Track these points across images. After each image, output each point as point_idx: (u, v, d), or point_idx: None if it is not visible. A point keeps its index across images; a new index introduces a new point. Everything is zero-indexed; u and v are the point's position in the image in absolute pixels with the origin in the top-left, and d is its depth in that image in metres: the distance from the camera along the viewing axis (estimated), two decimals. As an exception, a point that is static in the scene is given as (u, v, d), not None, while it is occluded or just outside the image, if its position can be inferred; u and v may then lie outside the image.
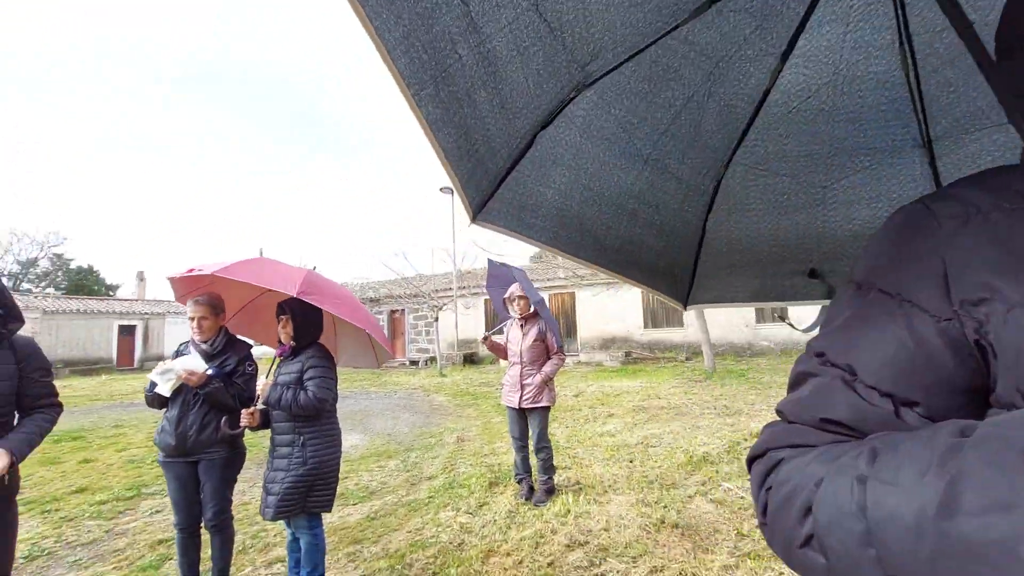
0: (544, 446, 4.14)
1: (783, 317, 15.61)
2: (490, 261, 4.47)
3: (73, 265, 40.46)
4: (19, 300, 24.33)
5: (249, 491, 4.89)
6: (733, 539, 3.20)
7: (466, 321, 21.56)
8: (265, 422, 2.70)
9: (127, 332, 26.85)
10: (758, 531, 3.27)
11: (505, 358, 4.32)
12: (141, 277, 33.69)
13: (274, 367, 2.80)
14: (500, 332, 4.48)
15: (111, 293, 38.94)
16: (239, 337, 2.99)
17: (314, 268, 2.78)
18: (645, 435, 6.11)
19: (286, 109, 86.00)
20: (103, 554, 3.59)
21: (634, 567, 2.93)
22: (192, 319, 2.76)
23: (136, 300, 30.84)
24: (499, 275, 4.52)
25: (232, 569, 2.95)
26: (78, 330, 24.86)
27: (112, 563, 3.43)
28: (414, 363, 21.09)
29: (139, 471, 5.76)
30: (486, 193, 1.24)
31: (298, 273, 2.59)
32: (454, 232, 19.56)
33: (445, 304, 19.21)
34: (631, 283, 1.67)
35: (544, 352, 4.18)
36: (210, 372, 2.67)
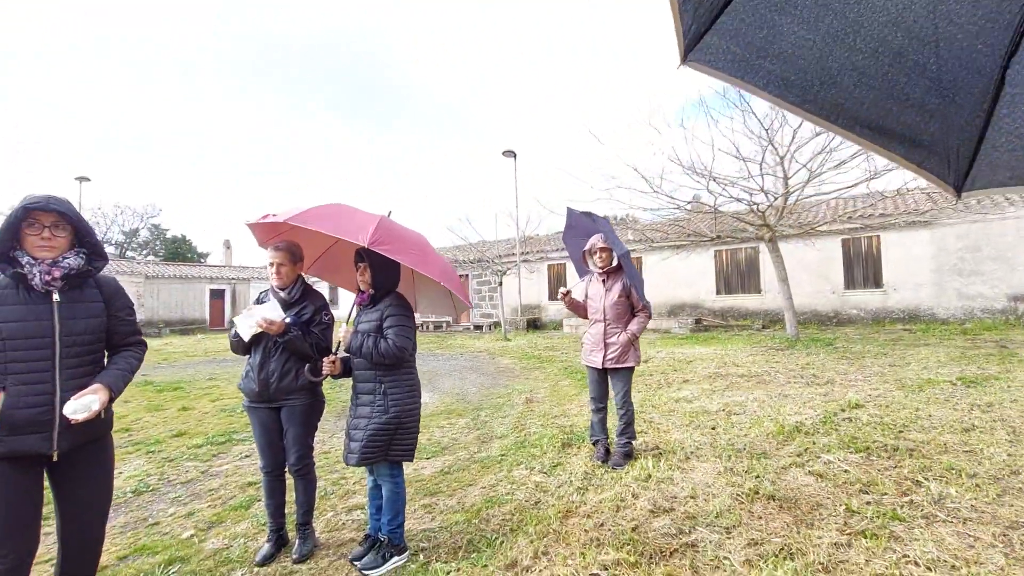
0: (627, 409, 3.92)
1: (878, 283, 14.26)
2: (570, 209, 4.18)
3: (169, 235, 44.10)
4: (125, 266, 26.88)
5: (328, 441, 5.06)
6: (842, 515, 2.87)
7: (529, 286, 21.49)
8: (346, 370, 2.67)
9: (217, 295, 29.09)
10: (872, 508, 2.92)
11: (584, 317, 4.09)
12: (227, 245, 36.17)
13: (353, 315, 2.75)
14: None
15: (202, 260, 42.19)
16: (315, 288, 2.97)
17: (388, 213, 2.64)
18: (726, 402, 5.74)
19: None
20: (199, 493, 3.81)
21: (728, 538, 2.69)
22: (271, 264, 2.74)
23: (224, 266, 33.24)
24: (578, 225, 4.24)
25: (315, 513, 3.01)
26: (175, 293, 27.21)
27: (207, 501, 3.63)
28: (478, 328, 21.40)
29: (230, 419, 6.14)
30: (704, 20, 0.98)
31: (371, 221, 2.47)
32: (517, 196, 19.33)
33: (509, 269, 19.16)
34: (885, 155, 1.25)
35: (628, 309, 3.91)
36: (288, 321, 2.65)
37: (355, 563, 2.58)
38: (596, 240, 3.89)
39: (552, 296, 21.03)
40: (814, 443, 4.12)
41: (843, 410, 5.08)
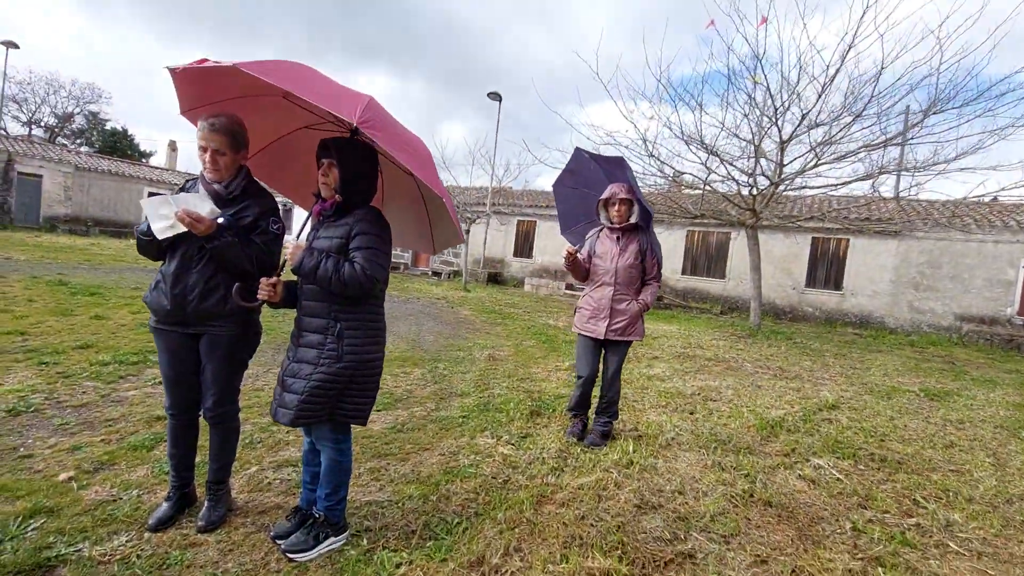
0: (615, 386, 3.47)
1: (838, 285, 14.50)
2: (578, 150, 3.54)
3: (108, 127, 39.91)
4: (53, 152, 24.09)
5: (263, 376, 4.41)
6: (848, 533, 2.55)
7: (496, 239, 20.79)
8: (289, 298, 2.02)
9: (157, 201, 26.71)
10: (878, 528, 2.61)
11: (582, 280, 3.52)
12: (173, 147, 33.24)
13: (307, 228, 2.08)
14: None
15: (144, 160, 38.60)
16: (265, 186, 2.26)
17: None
18: (700, 386, 5.45)
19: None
20: (93, 422, 3.12)
21: (729, 549, 2.32)
22: (204, 150, 2.01)
23: (167, 170, 30.54)
24: (581, 171, 3.63)
25: (235, 465, 2.41)
26: (109, 191, 24.74)
27: (101, 433, 2.96)
28: (436, 274, 20.68)
29: (150, 337, 5.33)
30: None
31: (358, 97, 1.77)
32: (496, 141, 18.33)
33: (478, 218, 18.37)
34: None
35: (640, 274, 3.39)
36: (221, 221, 1.96)
37: (278, 542, 2.03)
38: (618, 189, 3.29)
39: (518, 252, 20.43)
40: (798, 443, 3.85)
41: (820, 410, 4.87)
